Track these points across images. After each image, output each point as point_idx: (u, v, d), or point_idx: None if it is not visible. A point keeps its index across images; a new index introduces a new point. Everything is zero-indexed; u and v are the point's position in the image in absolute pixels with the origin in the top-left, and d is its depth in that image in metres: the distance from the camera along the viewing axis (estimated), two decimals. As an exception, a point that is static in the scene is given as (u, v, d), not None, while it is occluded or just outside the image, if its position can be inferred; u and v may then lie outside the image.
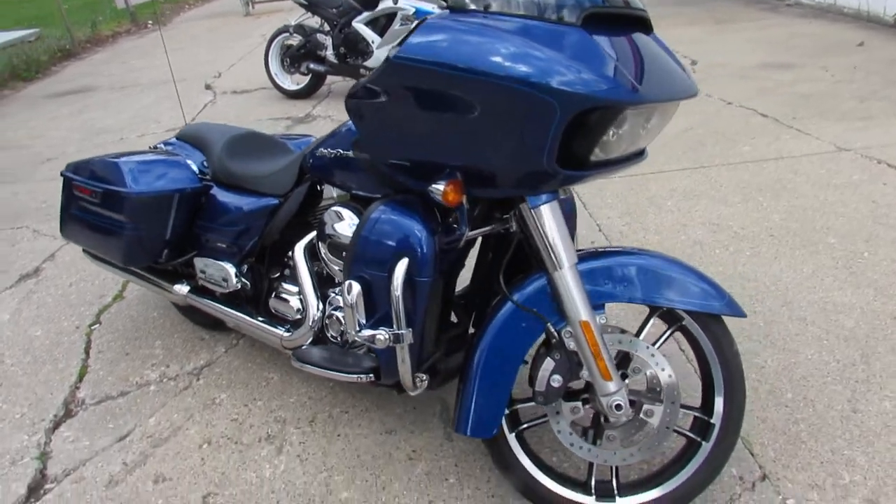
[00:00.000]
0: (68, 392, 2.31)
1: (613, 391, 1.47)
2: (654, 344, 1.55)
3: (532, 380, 1.56)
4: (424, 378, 1.64)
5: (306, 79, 5.78)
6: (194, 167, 2.18)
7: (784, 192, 3.27)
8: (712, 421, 1.56)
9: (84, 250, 2.44)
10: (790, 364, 2.10)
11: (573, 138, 1.28)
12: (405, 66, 1.32)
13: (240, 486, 1.84)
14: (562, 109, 1.22)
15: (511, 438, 1.60)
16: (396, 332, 1.49)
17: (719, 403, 1.55)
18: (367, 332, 1.51)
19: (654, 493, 1.58)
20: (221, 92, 6.47)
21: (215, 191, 2.14)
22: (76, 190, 2.19)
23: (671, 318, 1.58)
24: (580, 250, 1.54)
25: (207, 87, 6.71)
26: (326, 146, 1.76)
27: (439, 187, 1.40)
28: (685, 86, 1.36)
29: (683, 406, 1.60)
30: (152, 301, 2.82)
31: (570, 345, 1.49)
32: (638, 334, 1.58)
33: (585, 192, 3.49)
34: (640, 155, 1.52)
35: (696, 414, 1.60)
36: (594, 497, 1.58)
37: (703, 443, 1.56)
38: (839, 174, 3.41)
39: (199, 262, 2.15)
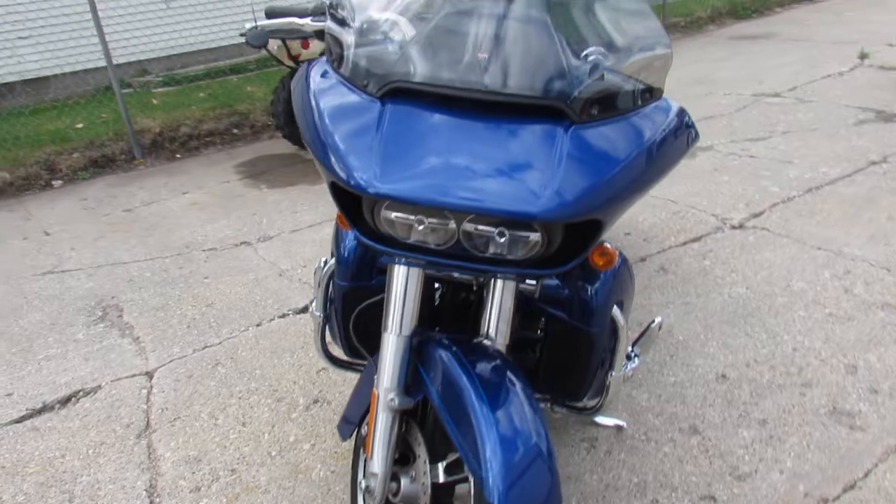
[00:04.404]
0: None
1: (371, 471, 1.37)
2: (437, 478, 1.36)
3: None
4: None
5: None
6: None
7: None
8: None
9: None
10: None
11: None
12: None
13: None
14: (325, 175, 1.27)
15: (361, 456, 1.66)
16: (315, 312, 1.79)
17: None
18: (312, 303, 1.84)
19: None
20: (870, 64, 5.60)
21: None
22: None
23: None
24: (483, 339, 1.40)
25: (862, 56, 5.88)
26: None
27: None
28: (507, 200, 1.13)
29: None
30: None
31: None
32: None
33: None
34: (531, 266, 1.26)
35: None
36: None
37: None
38: None
39: None
